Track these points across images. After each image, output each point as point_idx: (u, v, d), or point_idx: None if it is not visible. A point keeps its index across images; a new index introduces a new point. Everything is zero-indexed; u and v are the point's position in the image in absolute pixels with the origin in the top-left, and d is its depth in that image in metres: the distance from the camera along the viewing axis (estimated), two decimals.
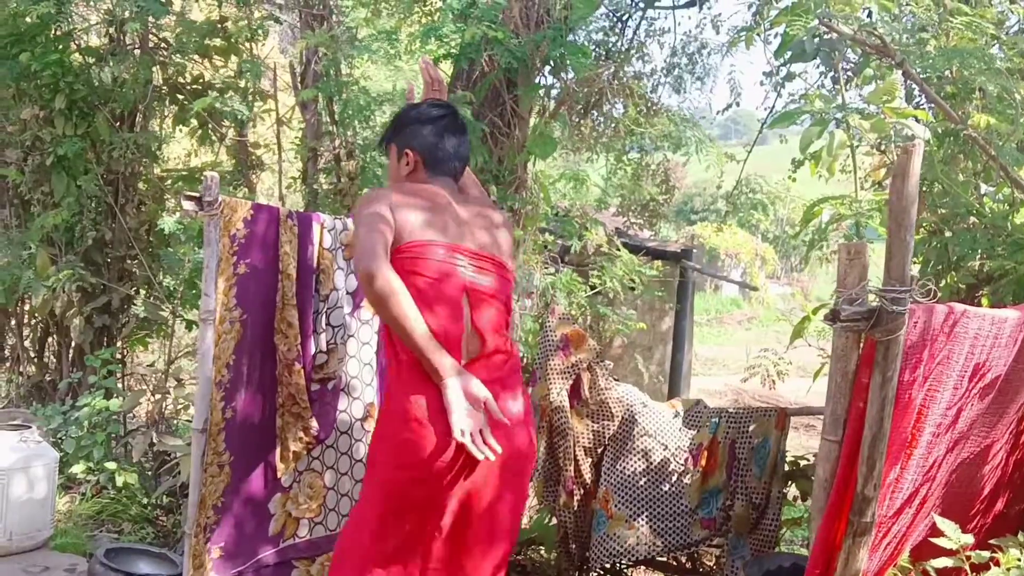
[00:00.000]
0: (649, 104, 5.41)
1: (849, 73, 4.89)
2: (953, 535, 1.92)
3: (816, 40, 3.27)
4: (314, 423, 2.95)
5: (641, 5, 5.39)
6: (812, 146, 3.45)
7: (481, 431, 2.30)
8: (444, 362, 2.29)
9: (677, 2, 5.48)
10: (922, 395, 1.97)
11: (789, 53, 3.43)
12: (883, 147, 3.60)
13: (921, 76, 3.22)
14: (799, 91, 5.78)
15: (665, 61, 6.24)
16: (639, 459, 3.47)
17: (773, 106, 5.65)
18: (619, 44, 5.50)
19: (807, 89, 6.42)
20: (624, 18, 5.48)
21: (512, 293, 2.67)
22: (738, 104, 6.46)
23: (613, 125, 5.37)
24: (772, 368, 3.56)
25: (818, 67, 5.14)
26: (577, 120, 5.08)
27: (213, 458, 2.79)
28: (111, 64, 4.91)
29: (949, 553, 1.94)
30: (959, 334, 2.01)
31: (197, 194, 2.73)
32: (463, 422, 2.26)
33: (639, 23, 5.55)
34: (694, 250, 7.20)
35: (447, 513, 2.37)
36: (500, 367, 2.48)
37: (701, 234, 22.40)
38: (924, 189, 3.40)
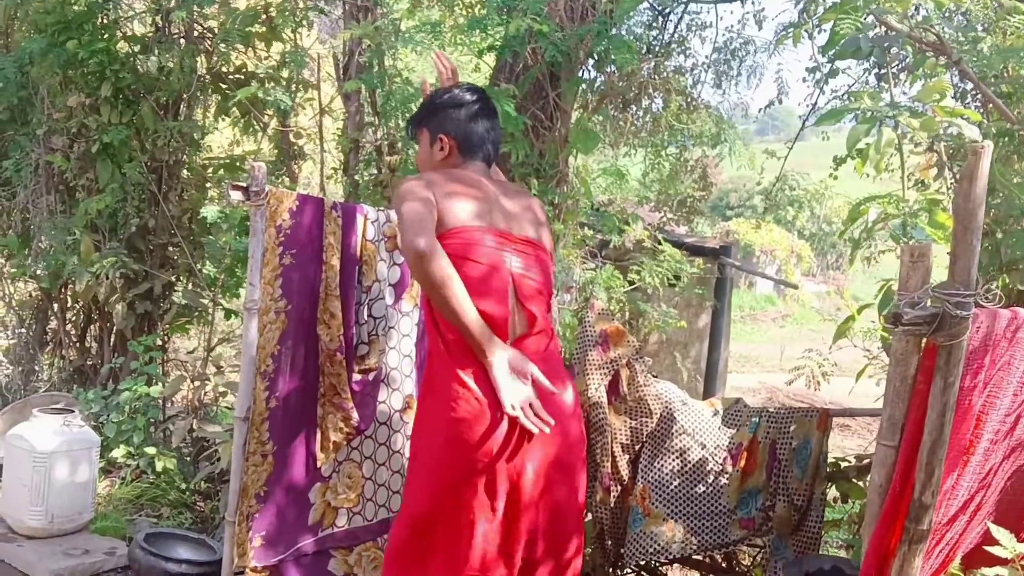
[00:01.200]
0: (689, 100, 5.37)
1: (894, 70, 4.83)
2: (1008, 543, 1.88)
3: (870, 37, 3.22)
4: (355, 413, 2.95)
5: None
6: (859, 143, 3.40)
7: (532, 404, 2.30)
8: (490, 340, 2.30)
9: None
10: (982, 401, 1.92)
11: (837, 49, 3.37)
12: (933, 146, 3.53)
13: (975, 75, 3.16)
14: (841, 88, 5.70)
15: (706, 57, 6.18)
16: (677, 457, 3.44)
17: (815, 103, 5.59)
18: (660, 38, 5.45)
19: (851, 86, 6.35)
20: (666, 12, 5.43)
21: (553, 280, 2.67)
22: (780, 101, 6.39)
23: (652, 120, 5.33)
24: (817, 369, 3.51)
25: (861, 64, 5.09)
26: (617, 115, 5.05)
27: (256, 447, 2.81)
28: (156, 53, 4.95)
29: (1003, 562, 1.90)
30: (1021, 339, 1.97)
31: (244, 184, 2.74)
32: (513, 396, 2.27)
33: (680, 17, 5.51)
34: (732, 247, 7.13)
35: (499, 496, 2.35)
36: (545, 350, 2.49)
37: (736, 230, 22.23)
38: None
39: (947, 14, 3.14)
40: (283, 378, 2.84)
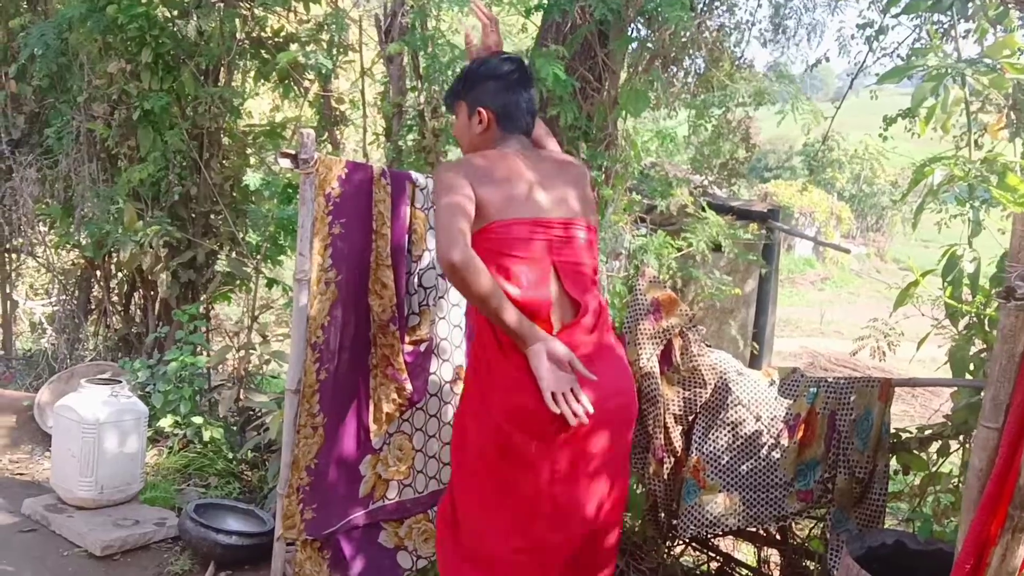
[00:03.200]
0: (734, 59, 5.20)
1: (944, 26, 4.63)
2: None
3: None
4: (408, 385, 2.90)
5: None
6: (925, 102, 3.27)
7: (573, 391, 2.27)
8: (528, 331, 2.27)
9: None
10: None
11: (909, 2, 3.22)
12: (1004, 105, 3.37)
13: None
14: (890, 46, 5.49)
15: (751, 14, 5.99)
16: (732, 429, 3.36)
17: (864, 61, 5.40)
18: None
19: (899, 44, 6.14)
20: None
21: (598, 244, 2.61)
22: (827, 59, 6.20)
23: (695, 80, 5.18)
24: (883, 338, 3.40)
25: (913, 20, 4.89)
26: (666, 76, 4.90)
27: (307, 419, 2.76)
28: (196, 17, 4.88)
29: None
30: None
31: (293, 152, 2.67)
32: (552, 385, 2.24)
33: None
34: (778, 210, 6.96)
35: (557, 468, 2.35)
36: (594, 334, 2.44)
37: (775, 192, 21.92)
38: None
39: None
40: (334, 350, 2.79)
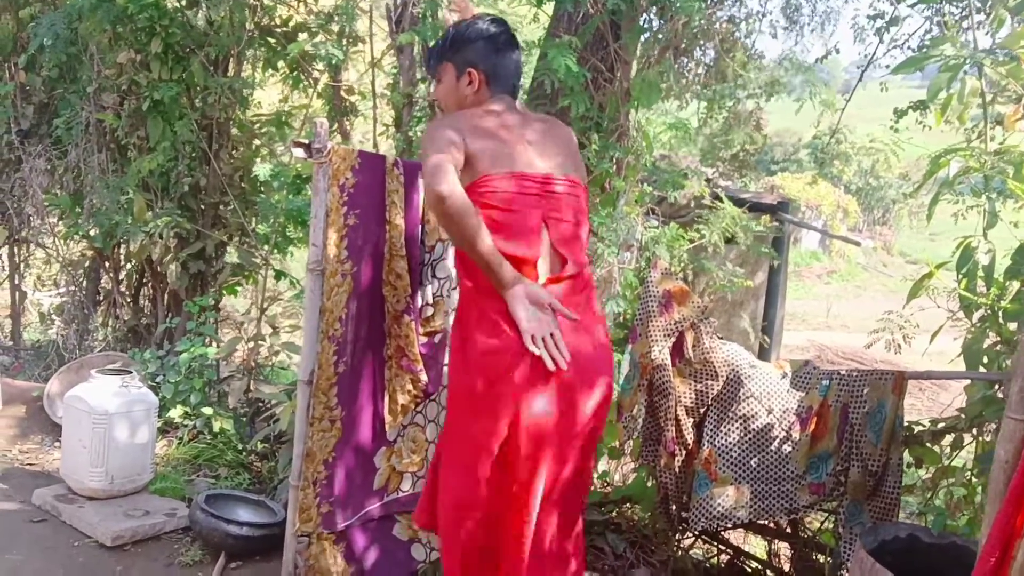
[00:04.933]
0: (746, 50, 5.18)
1: (956, 17, 4.59)
2: None
3: None
4: (424, 376, 2.89)
5: None
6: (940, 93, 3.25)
7: (553, 335, 2.26)
8: (508, 274, 2.27)
9: None
10: None
11: None
12: (1021, 95, 3.34)
13: None
14: (901, 37, 5.45)
15: (761, 4, 5.97)
16: (745, 422, 3.35)
17: (874, 53, 5.36)
18: None
19: (910, 35, 6.06)
20: None
21: (586, 205, 2.61)
22: (837, 51, 6.16)
23: (707, 71, 5.16)
24: (898, 331, 3.38)
25: (923, 12, 4.86)
26: (677, 67, 4.88)
27: (324, 412, 2.75)
28: (205, 7, 4.86)
29: None
30: None
31: (306, 141, 2.66)
32: (532, 328, 2.24)
33: None
34: (789, 203, 6.94)
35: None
36: (578, 288, 2.45)
37: (782, 185, 21.85)
38: None
39: None
40: (351, 342, 2.78)
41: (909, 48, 5.20)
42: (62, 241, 6.27)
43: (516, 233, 2.36)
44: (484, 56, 2.53)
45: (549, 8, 4.16)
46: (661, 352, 3.35)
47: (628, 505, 3.95)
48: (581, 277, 2.47)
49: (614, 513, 3.92)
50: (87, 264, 6.14)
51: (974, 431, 3.16)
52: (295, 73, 5.18)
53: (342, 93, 5.05)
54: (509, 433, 2.30)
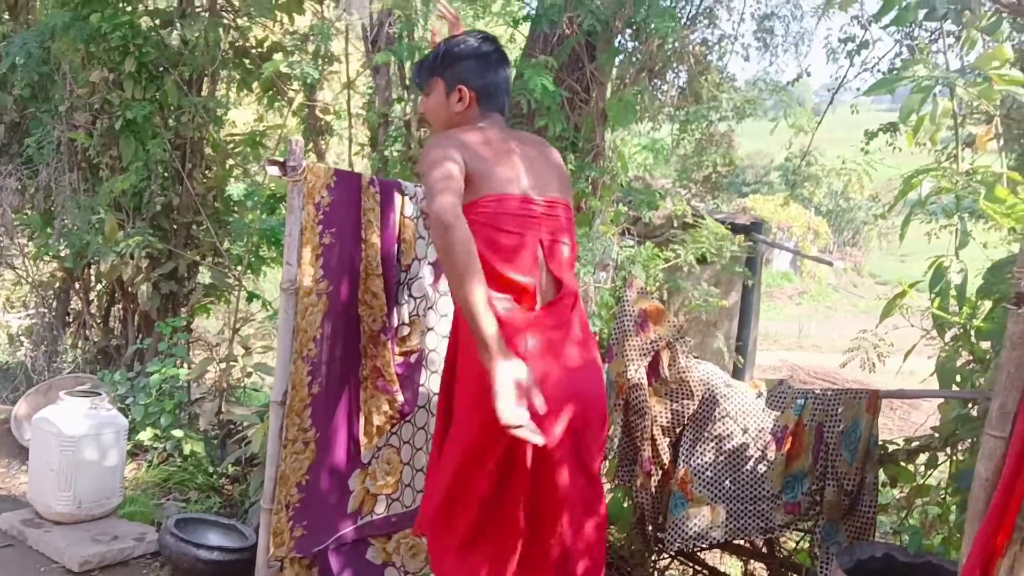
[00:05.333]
0: (719, 72, 5.22)
1: (927, 39, 4.67)
2: None
3: None
4: (400, 396, 2.86)
5: None
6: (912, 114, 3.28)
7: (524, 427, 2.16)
8: (494, 341, 2.11)
9: None
10: None
11: (899, 12, 3.24)
12: (993, 116, 3.39)
13: None
14: (870, 60, 5.52)
15: (733, 27, 6.03)
16: (720, 441, 3.35)
17: (844, 76, 5.44)
18: (687, 9, 5.30)
19: (880, 58, 6.17)
20: None
21: (575, 228, 2.59)
22: (809, 74, 6.22)
23: (679, 92, 5.19)
24: (872, 350, 3.40)
25: (893, 35, 4.93)
26: (651, 88, 4.91)
27: (298, 435, 2.72)
28: (180, 26, 4.84)
29: None
30: None
31: (281, 159, 2.65)
32: (511, 415, 2.08)
33: None
34: (762, 224, 6.99)
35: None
36: (568, 310, 2.41)
37: (753, 207, 22.02)
38: None
39: None
40: (326, 362, 2.75)
41: (879, 71, 5.27)
42: (32, 262, 6.18)
43: (515, 255, 2.33)
44: (476, 74, 2.50)
45: (525, 28, 4.17)
46: (637, 371, 3.35)
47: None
48: (576, 300, 2.44)
49: None
50: (57, 285, 6.05)
51: (948, 449, 3.18)
52: (270, 93, 5.15)
53: (317, 112, 5.03)
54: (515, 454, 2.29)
